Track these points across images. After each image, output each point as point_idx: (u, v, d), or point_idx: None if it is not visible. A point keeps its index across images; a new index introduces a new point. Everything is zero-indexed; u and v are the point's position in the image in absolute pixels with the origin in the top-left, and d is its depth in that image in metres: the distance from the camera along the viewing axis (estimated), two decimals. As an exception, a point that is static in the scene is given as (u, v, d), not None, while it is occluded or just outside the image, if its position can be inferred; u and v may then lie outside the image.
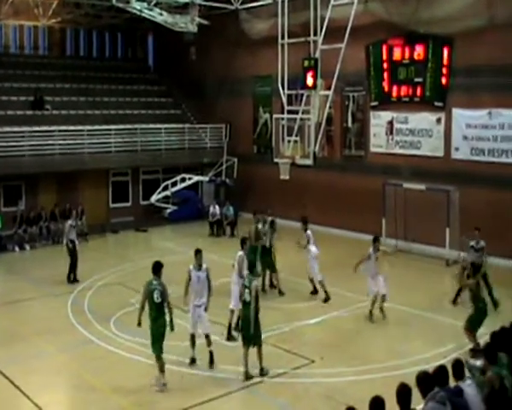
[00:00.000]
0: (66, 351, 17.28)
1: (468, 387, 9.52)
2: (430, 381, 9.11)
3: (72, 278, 24.20)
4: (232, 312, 17.86)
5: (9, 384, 14.90)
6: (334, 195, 32.07)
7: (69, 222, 24.92)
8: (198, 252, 16.12)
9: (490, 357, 10.51)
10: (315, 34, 24.64)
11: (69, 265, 24.23)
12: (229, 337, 17.72)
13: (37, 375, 15.65)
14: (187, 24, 34.55)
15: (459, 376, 9.71)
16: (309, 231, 21.98)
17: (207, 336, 15.86)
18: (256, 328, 15.12)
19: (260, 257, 21.56)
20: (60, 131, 33.55)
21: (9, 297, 22.30)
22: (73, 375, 15.97)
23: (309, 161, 25.17)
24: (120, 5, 33.57)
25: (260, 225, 22.72)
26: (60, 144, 33.25)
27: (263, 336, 16.57)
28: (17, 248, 30.02)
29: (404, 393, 8.52)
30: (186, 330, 16.08)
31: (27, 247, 30.18)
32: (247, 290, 15.10)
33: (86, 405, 14.17)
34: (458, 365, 9.84)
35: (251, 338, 15.09)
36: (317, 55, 24.39)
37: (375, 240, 19.66)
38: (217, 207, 33.63)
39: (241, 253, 18.44)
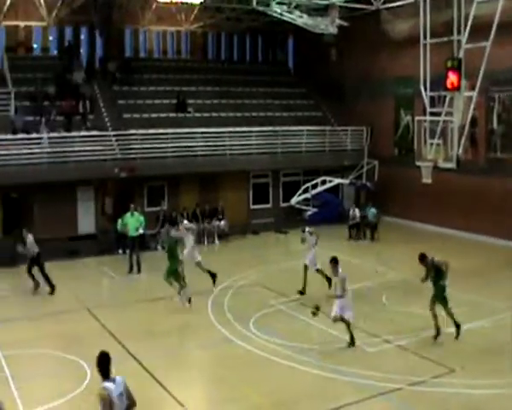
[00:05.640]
0: (206, 348, 17.60)
1: None
2: None
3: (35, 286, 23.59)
4: None
5: (151, 378, 15.29)
6: (478, 199, 31.01)
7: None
8: None
9: None
10: (458, 33, 23.95)
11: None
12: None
13: (178, 370, 16.03)
14: (327, 26, 34.48)
15: None
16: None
17: None
18: None
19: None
20: (202, 133, 34.32)
21: (152, 294, 22.93)
22: (213, 372, 16.27)
23: (452, 165, 24.50)
24: (261, 8, 33.92)
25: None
26: (202, 146, 34.01)
27: (403, 343, 16.33)
28: (159, 247, 30.69)
29: None
30: (322, 332, 15.99)
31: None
32: None
33: (226, 402, 14.31)
34: None
35: None
36: (461, 54, 23.70)
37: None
38: (356, 210, 33.29)
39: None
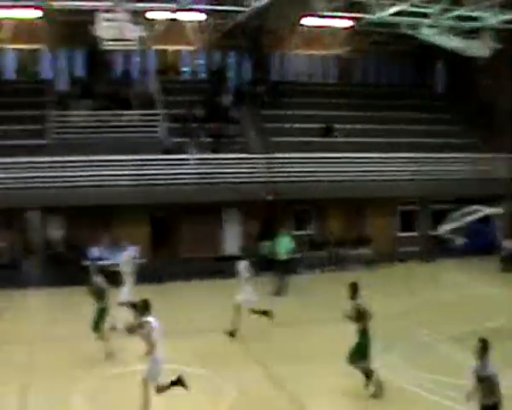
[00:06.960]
0: (349, 376, 16.87)
1: None
2: None
3: None
4: None
5: (291, 404, 14.96)
6: None
7: None
8: None
9: None
10: None
11: None
12: None
13: (321, 397, 15.43)
14: (479, 48, 33.38)
15: None
16: None
17: None
18: None
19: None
20: (349, 158, 34.09)
21: (298, 318, 22.63)
22: (356, 401, 15.50)
23: None
24: (409, 32, 33.30)
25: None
26: (349, 171, 33.72)
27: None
28: (306, 271, 30.65)
29: None
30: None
31: (316, 270, 30.58)
32: None
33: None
34: None
35: None
36: None
37: None
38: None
39: None
